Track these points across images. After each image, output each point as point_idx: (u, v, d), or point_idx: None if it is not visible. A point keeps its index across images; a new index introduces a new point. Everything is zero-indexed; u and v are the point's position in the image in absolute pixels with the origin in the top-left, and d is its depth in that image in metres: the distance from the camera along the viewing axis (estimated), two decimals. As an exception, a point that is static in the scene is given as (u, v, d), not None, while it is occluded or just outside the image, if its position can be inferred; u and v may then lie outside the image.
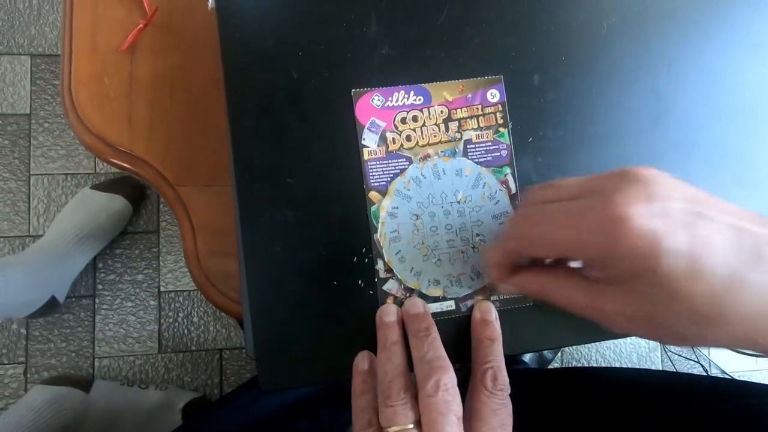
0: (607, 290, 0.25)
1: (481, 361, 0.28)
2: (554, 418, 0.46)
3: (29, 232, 0.83)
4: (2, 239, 0.83)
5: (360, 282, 0.31)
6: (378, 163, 0.31)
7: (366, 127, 0.31)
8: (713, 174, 0.34)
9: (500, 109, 0.32)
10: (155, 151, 0.37)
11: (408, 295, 0.31)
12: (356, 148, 0.31)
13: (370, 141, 0.31)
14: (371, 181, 0.31)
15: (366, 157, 0.31)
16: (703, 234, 0.22)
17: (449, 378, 0.26)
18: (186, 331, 0.84)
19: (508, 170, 0.32)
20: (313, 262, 0.30)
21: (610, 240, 0.22)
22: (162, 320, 0.83)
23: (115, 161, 0.37)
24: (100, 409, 0.73)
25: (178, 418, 0.77)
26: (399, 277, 0.31)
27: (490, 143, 0.32)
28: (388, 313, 0.29)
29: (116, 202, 0.80)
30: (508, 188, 0.32)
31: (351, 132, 0.31)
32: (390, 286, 0.31)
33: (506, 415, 0.27)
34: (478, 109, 0.32)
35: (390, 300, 0.31)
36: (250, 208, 0.30)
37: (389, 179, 0.31)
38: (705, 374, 0.84)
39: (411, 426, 0.25)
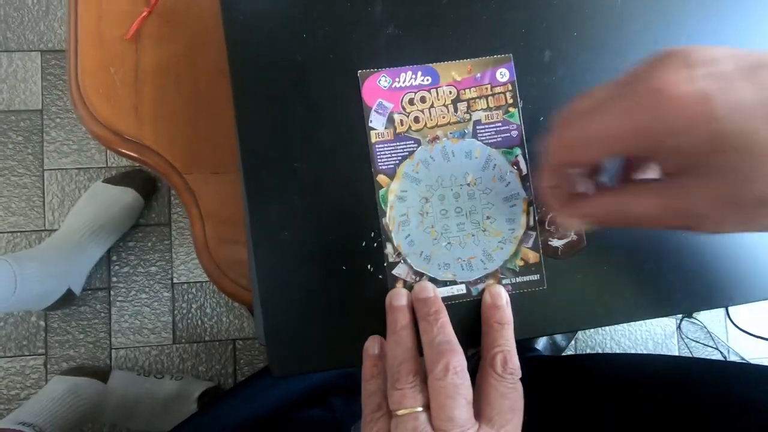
0: (688, 184, 0.20)
1: (491, 345, 0.28)
2: (562, 407, 0.45)
3: (45, 226, 0.84)
4: (19, 234, 0.84)
5: (369, 267, 0.30)
6: (386, 145, 0.31)
7: (373, 109, 0.31)
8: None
9: (510, 88, 0.31)
10: (162, 140, 0.37)
11: (417, 279, 0.30)
12: (363, 130, 0.31)
13: (377, 123, 0.31)
14: (379, 164, 0.31)
15: (373, 139, 0.31)
16: None
17: (458, 361, 0.25)
18: (200, 322, 0.85)
19: (518, 151, 0.31)
20: (322, 247, 0.30)
21: (660, 117, 0.19)
22: (176, 311, 0.85)
23: (123, 151, 0.37)
24: (117, 398, 0.75)
25: (193, 407, 0.78)
26: (408, 261, 0.30)
27: (500, 124, 0.31)
28: (398, 297, 0.29)
29: (128, 195, 0.81)
30: (519, 170, 0.31)
31: (358, 114, 0.31)
32: (399, 271, 0.30)
33: (516, 399, 0.26)
34: (487, 88, 0.31)
35: (399, 284, 0.30)
36: (258, 194, 0.30)
37: (397, 162, 0.31)
38: (720, 359, 0.83)
39: (420, 409, 0.25)
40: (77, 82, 0.37)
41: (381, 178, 0.31)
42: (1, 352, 0.82)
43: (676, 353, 0.88)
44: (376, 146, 0.31)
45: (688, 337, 0.87)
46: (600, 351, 0.88)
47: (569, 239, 0.31)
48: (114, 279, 0.84)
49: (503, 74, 0.31)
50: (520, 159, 0.31)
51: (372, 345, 0.29)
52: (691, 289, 0.32)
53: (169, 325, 0.84)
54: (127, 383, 0.77)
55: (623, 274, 0.31)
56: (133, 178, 0.82)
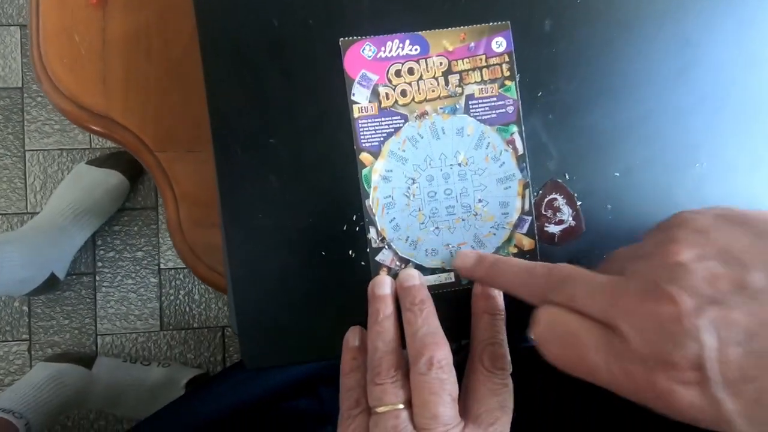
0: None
1: (480, 337, 0.26)
2: (555, 398, 0.44)
3: (27, 209, 0.82)
4: (1, 216, 0.82)
5: (350, 252, 0.28)
6: (369, 121, 0.28)
7: (356, 81, 0.28)
8: (746, 131, 0.30)
9: (507, 59, 0.29)
10: (132, 114, 0.34)
11: (403, 266, 0.28)
12: (345, 104, 0.28)
13: (360, 96, 0.28)
14: (362, 141, 0.28)
15: (356, 114, 0.28)
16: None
17: (443, 354, 0.23)
18: (187, 309, 0.83)
19: (514, 128, 0.29)
20: (299, 230, 0.28)
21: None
22: (163, 297, 0.83)
23: (91, 126, 0.35)
24: (102, 385, 0.73)
25: (181, 394, 0.76)
26: (393, 246, 0.28)
27: (495, 98, 0.29)
28: (381, 285, 0.27)
29: (113, 178, 0.78)
30: (515, 149, 0.29)
31: (339, 86, 0.28)
32: (383, 257, 0.28)
33: (506, 397, 0.24)
34: (481, 60, 0.29)
35: (383, 271, 0.28)
36: (230, 173, 0.28)
37: (382, 139, 0.28)
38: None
39: (401, 406, 0.23)
40: (39, 50, 0.34)
41: (364, 157, 0.28)
42: (-16, 338, 0.81)
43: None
44: (359, 122, 0.28)
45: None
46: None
47: (567, 225, 0.29)
48: (99, 264, 0.82)
49: (500, 44, 0.29)
50: (516, 137, 0.29)
51: (352, 336, 0.27)
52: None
53: (157, 311, 0.83)
54: (113, 370, 0.75)
55: (624, 262, 0.29)
56: (118, 160, 0.79)
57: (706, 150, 0.30)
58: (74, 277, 0.81)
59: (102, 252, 0.82)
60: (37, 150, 0.82)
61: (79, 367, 0.73)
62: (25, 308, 0.81)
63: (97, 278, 0.82)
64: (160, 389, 0.76)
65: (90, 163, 0.79)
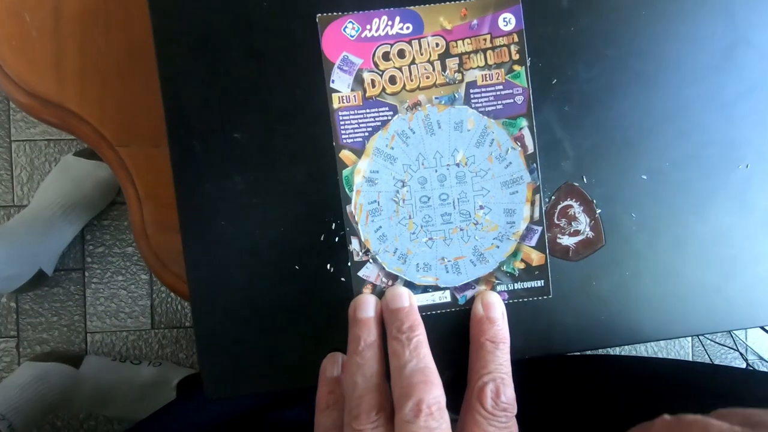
0: None
1: (479, 371, 0.22)
2: (560, 408, 0.41)
3: (14, 201, 0.79)
4: (-13, 209, 0.79)
5: (329, 266, 0.24)
6: (352, 113, 0.24)
7: (336, 65, 0.24)
8: (802, 127, 0.25)
9: (516, 40, 0.24)
10: (90, 104, 0.31)
11: (390, 283, 0.24)
12: (323, 92, 0.24)
13: (341, 83, 0.24)
14: (343, 136, 0.24)
15: (336, 104, 0.24)
16: None
17: (435, 397, 0.20)
18: (179, 307, 0.80)
19: (524, 122, 0.24)
20: (270, 240, 0.24)
21: None
22: (154, 295, 0.80)
23: (44, 117, 0.31)
24: (90, 385, 0.71)
25: (172, 394, 0.74)
26: (379, 260, 0.24)
27: (500, 87, 0.24)
28: (364, 306, 0.23)
29: (103, 171, 0.75)
30: (524, 146, 0.24)
31: (316, 72, 0.24)
32: (367, 272, 0.24)
33: (509, 444, 0.20)
34: (485, 40, 0.24)
35: (367, 289, 0.24)
36: (188, 173, 0.24)
37: (367, 135, 0.24)
38: (727, 366, 0.77)
39: (383, 457, 0.19)
40: (-15, 30, 0.30)
41: (345, 155, 0.24)
42: (-29, 334, 0.79)
43: (690, 351, 0.82)
44: (340, 113, 0.24)
45: (704, 336, 0.81)
46: (610, 349, 0.82)
47: (584, 236, 0.25)
48: (88, 260, 0.79)
49: (507, 21, 0.24)
50: (526, 132, 0.24)
51: (330, 365, 0.23)
52: (737, 301, 0.25)
53: (147, 309, 0.80)
54: (101, 369, 0.73)
55: (651, 281, 0.25)
56: (107, 152, 0.76)
57: (753, 148, 0.25)
58: (62, 272, 0.79)
59: (91, 247, 0.80)
60: (23, 140, 0.79)
61: (66, 366, 0.71)
62: (13, 304, 0.79)
63: (86, 274, 0.79)
64: (150, 389, 0.74)
65: (78, 154, 0.76)
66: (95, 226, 0.79)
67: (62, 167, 0.75)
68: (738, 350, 0.78)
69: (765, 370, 0.77)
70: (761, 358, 0.79)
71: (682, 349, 0.82)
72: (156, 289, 0.80)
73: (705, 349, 0.79)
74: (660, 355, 0.83)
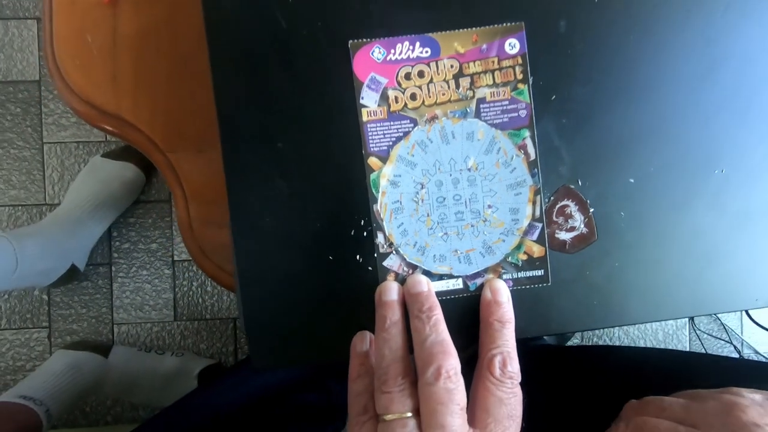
0: None
1: (488, 346, 0.25)
2: (565, 397, 0.44)
3: (45, 200, 0.84)
4: (20, 207, 0.84)
5: (358, 257, 0.28)
6: (378, 125, 0.28)
7: (365, 84, 0.28)
8: (771, 137, 0.29)
9: (520, 62, 0.28)
10: (142, 113, 0.35)
11: (410, 271, 0.28)
12: (354, 107, 0.28)
13: (369, 100, 0.28)
14: (371, 145, 0.28)
15: (365, 118, 0.28)
16: None
17: (452, 364, 0.23)
18: (200, 300, 0.84)
19: (526, 133, 0.28)
20: (307, 235, 0.28)
21: None
22: (177, 289, 0.84)
23: (102, 125, 0.35)
24: (118, 373, 0.75)
25: (193, 383, 0.78)
26: (401, 252, 0.28)
27: (507, 102, 0.28)
28: (388, 291, 0.27)
29: (128, 171, 0.79)
30: (527, 154, 0.28)
31: (348, 89, 0.28)
32: (391, 262, 0.28)
33: (515, 406, 0.24)
34: (494, 62, 0.28)
35: (391, 277, 0.28)
36: (238, 176, 0.28)
37: (391, 143, 0.28)
38: (729, 356, 0.80)
39: (409, 415, 0.23)
40: (52, 50, 0.34)
41: (372, 161, 0.28)
42: (6, 325, 0.83)
43: (687, 345, 0.85)
44: (368, 125, 0.28)
45: (699, 329, 0.84)
46: (608, 340, 0.86)
47: (579, 232, 0.28)
48: (115, 255, 0.84)
49: (513, 45, 0.28)
50: (528, 142, 0.28)
51: (360, 341, 0.27)
52: (713, 289, 0.29)
53: (170, 302, 0.84)
54: (128, 358, 0.77)
55: (637, 271, 0.29)
56: (134, 153, 0.80)
57: (728, 156, 0.29)
58: (91, 267, 0.83)
59: (117, 243, 0.84)
60: (54, 143, 0.83)
61: (97, 356, 0.75)
62: (45, 297, 0.84)
63: (113, 269, 0.84)
64: (173, 378, 0.78)
65: (105, 155, 0.80)
66: (121, 224, 0.84)
67: (91, 168, 0.80)
68: (732, 344, 0.81)
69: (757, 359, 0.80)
70: (756, 351, 0.82)
71: (680, 343, 0.85)
72: (179, 283, 0.84)
73: (702, 343, 0.83)
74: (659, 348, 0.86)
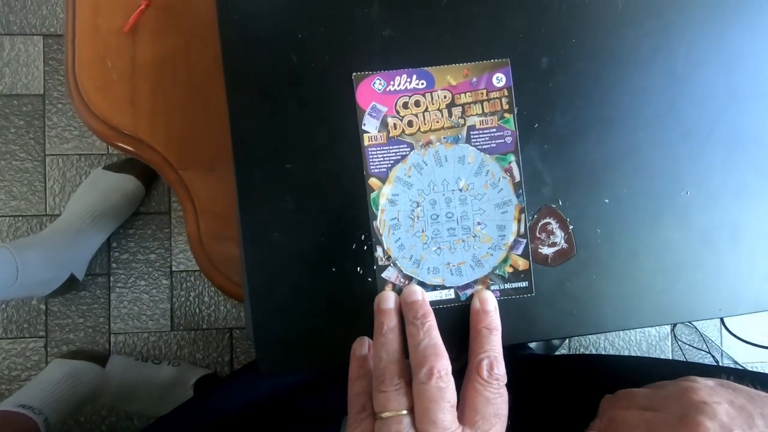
0: None
1: (477, 350, 0.28)
2: (552, 406, 0.46)
3: (46, 211, 0.85)
4: (21, 218, 0.85)
5: (359, 269, 0.31)
6: (378, 149, 0.31)
7: (367, 111, 0.31)
8: (732, 162, 0.32)
9: (506, 93, 0.31)
10: (158, 135, 0.37)
11: (407, 282, 0.31)
12: (356, 133, 0.30)
13: (370, 126, 0.31)
14: (371, 167, 0.31)
15: (366, 142, 0.31)
16: None
17: (443, 365, 0.26)
18: (197, 310, 0.86)
19: (512, 158, 0.31)
20: (312, 248, 0.30)
21: None
22: (174, 299, 0.85)
23: (120, 144, 0.38)
24: (115, 382, 0.76)
25: (190, 393, 0.79)
26: (398, 264, 0.31)
27: (494, 129, 0.31)
28: (386, 300, 0.29)
29: (129, 183, 0.81)
30: (512, 176, 0.31)
31: (351, 117, 0.30)
32: (389, 274, 0.31)
33: (501, 405, 0.27)
34: (482, 93, 0.31)
35: (389, 287, 0.30)
36: (249, 194, 0.30)
37: (390, 166, 0.31)
38: (714, 364, 0.83)
39: (404, 412, 0.25)
40: (74, 74, 0.37)
41: (373, 182, 0.31)
42: (2, 334, 0.84)
43: (670, 355, 0.88)
44: (369, 149, 0.31)
45: (681, 341, 0.88)
46: (594, 350, 0.88)
47: (560, 247, 0.31)
48: (114, 265, 0.85)
49: (500, 79, 0.31)
50: (514, 165, 0.31)
51: (359, 346, 0.29)
52: (680, 300, 0.32)
53: (168, 312, 0.85)
54: (125, 368, 0.78)
55: (612, 283, 0.31)
56: (134, 166, 0.82)
57: (692, 179, 0.32)
58: (89, 277, 0.84)
59: (116, 254, 0.85)
60: (57, 155, 0.85)
61: (94, 365, 0.76)
62: (42, 306, 0.84)
63: (112, 279, 0.85)
64: (169, 387, 0.79)
65: (107, 168, 0.82)
66: (121, 235, 0.85)
67: (92, 180, 0.81)
68: (712, 354, 0.84)
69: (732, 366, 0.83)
70: (736, 362, 0.85)
71: (663, 353, 0.88)
72: (176, 294, 0.86)
73: (683, 353, 0.86)
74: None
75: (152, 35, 0.37)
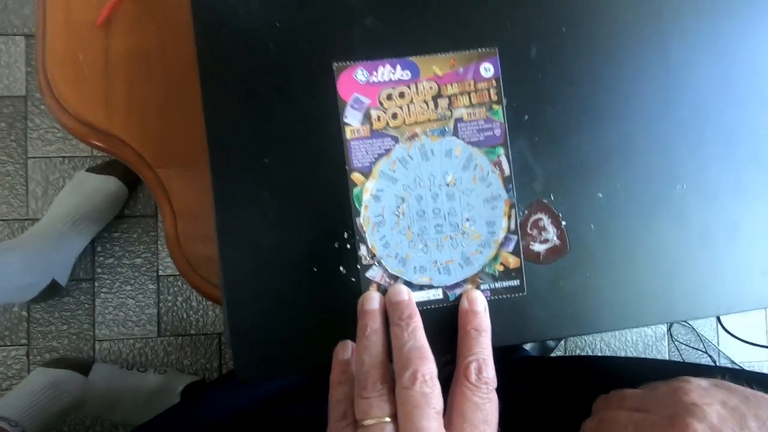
0: None
1: (465, 353, 0.26)
2: (547, 408, 0.45)
3: (28, 215, 0.83)
4: (2, 222, 0.83)
5: (341, 268, 0.29)
6: (361, 142, 0.29)
7: (349, 104, 0.29)
8: (726, 153, 0.31)
9: (494, 84, 0.30)
10: (133, 131, 0.36)
11: (392, 282, 0.29)
12: (338, 126, 0.29)
13: (353, 119, 0.29)
14: (354, 161, 0.29)
15: (349, 136, 0.29)
16: None
17: (428, 369, 0.24)
18: (185, 315, 0.84)
19: (501, 150, 0.30)
20: (292, 246, 0.29)
21: None
22: (161, 304, 0.83)
23: (94, 142, 0.36)
24: (99, 392, 0.74)
25: (177, 401, 0.77)
26: (383, 263, 0.29)
27: (482, 121, 0.30)
28: (370, 300, 0.28)
29: (111, 184, 0.79)
30: (502, 170, 0.30)
31: (332, 109, 0.29)
32: (373, 273, 0.29)
33: (491, 411, 0.25)
34: (470, 84, 0.30)
35: (373, 287, 0.29)
36: (225, 190, 0.29)
37: (373, 160, 0.29)
38: (712, 364, 0.82)
39: (387, 419, 0.24)
40: (44, 68, 0.35)
41: (356, 177, 0.29)
42: (-18, 342, 0.81)
43: (666, 356, 0.87)
44: (352, 143, 0.29)
45: (678, 341, 0.87)
46: (590, 352, 0.87)
47: (552, 244, 0.30)
48: (98, 270, 0.83)
49: (487, 69, 0.30)
50: (503, 159, 0.30)
51: (341, 350, 0.28)
52: (678, 298, 0.31)
53: (154, 317, 0.83)
54: (109, 376, 0.76)
55: (607, 281, 0.30)
56: (116, 167, 0.80)
57: (687, 172, 0.31)
58: (73, 282, 0.82)
59: (101, 258, 0.83)
60: (39, 157, 0.83)
61: (76, 374, 0.74)
62: (24, 313, 0.82)
63: (96, 284, 0.83)
64: (156, 396, 0.77)
65: (89, 170, 0.80)
66: (105, 239, 0.83)
67: (74, 183, 0.79)
68: (709, 354, 0.83)
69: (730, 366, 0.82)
70: (733, 362, 0.84)
71: (659, 354, 0.87)
72: (163, 299, 0.84)
73: (680, 354, 0.85)
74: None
75: (127, 29, 0.36)
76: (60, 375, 0.72)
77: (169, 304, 0.84)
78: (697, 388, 0.27)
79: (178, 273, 0.83)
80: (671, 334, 0.86)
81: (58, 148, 0.83)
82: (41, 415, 0.67)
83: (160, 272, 0.84)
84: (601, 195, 0.30)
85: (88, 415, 0.80)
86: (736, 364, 0.85)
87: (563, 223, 0.30)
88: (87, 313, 0.83)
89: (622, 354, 0.88)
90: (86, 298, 0.83)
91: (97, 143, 0.36)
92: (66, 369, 0.74)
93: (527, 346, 0.78)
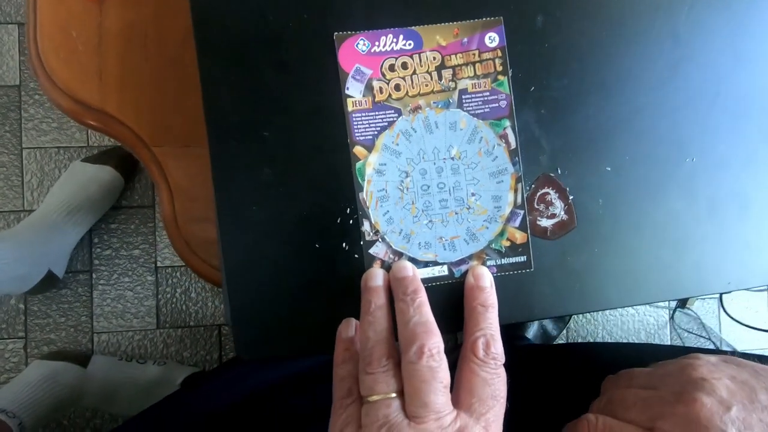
0: None
1: (473, 329, 0.26)
2: (551, 395, 0.44)
3: (24, 206, 0.82)
4: (-3, 214, 0.82)
5: (344, 245, 0.28)
6: (363, 115, 0.28)
7: (350, 75, 0.28)
8: (737, 127, 0.30)
9: (499, 54, 0.29)
10: (128, 109, 0.35)
11: (396, 258, 0.28)
12: (339, 98, 0.28)
13: (354, 90, 0.28)
14: (356, 134, 0.28)
15: (350, 108, 0.28)
16: None
17: (434, 343, 0.24)
18: (184, 307, 0.83)
19: (507, 123, 0.29)
20: (293, 223, 0.28)
21: None
22: (160, 296, 0.83)
23: (87, 121, 0.35)
24: (97, 383, 0.73)
25: (177, 392, 0.76)
26: (387, 239, 0.28)
27: (487, 93, 0.29)
28: (374, 277, 0.27)
29: (106, 173, 0.78)
30: (508, 143, 0.29)
31: (333, 81, 0.28)
32: (377, 250, 0.28)
33: (499, 386, 0.24)
34: (474, 54, 0.29)
35: (377, 264, 0.28)
36: (224, 166, 0.28)
37: (376, 133, 0.28)
38: (713, 349, 0.82)
39: (393, 395, 0.23)
40: (36, 44, 0.34)
41: (358, 150, 0.28)
42: (-21, 336, 0.80)
43: (668, 343, 0.87)
44: (353, 115, 0.28)
45: (680, 328, 0.86)
46: (592, 339, 0.87)
47: (559, 219, 0.29)
48: (96, 262, 0.82)
49: (492, 39, 0.29)
50: (509, 131, 0.29)
51: (345, 327, 0.27)
52: (686, 273, 0.30)
53: (153, 309, 0.83)
54: (108, 368, 0.75)
55: (615, 257, 0.29)
56: (111, 156, 0.79)
57: (697, 146, 0.30)
58: (71, 274, 0.81)
59: (99, 250, 0.82)
60: (34, 148, 0.82)
61: (74, 366, 0.73)
62: (22, 306, 0.81)
63: (94, 276, 0.82)
64: (155, 387, 0.76)
65: (84, 160, 0.79)
66: (103, 230, 0.82)
67: (70, 173, 0.78)
68: (712, 340, 0.83)
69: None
70: (735, 349, 0.84)
71: (661, 342, 0.87)
72: (162, 290, 0.83)
73: (682, 341, 0.85)
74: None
75: (120, 3, 0.35)
76: (58, 367, 0.72)
77: (168, 296, 0.83)
78: (706, 363, 0.27)
79: (176, 264, 0.82)
80: (674, 322, 0.86)
81: (54, 138, 0.82)
82: (39, 407, 0.66)
83: (159, 263, 0.83)
84: (609, 168, 0.30)
85: (88, 408, 0.80)
86: (736, 350, 0.85)
87: (570, 197, 0.29)
88: (85, 305, 0.82)
89: (625, 339, 0.88)
90: (84, 290, 0.82)
91: (91, 122, 0.35)
92: (64, 361, 0.73)
93: (530, 335, 0.77)
